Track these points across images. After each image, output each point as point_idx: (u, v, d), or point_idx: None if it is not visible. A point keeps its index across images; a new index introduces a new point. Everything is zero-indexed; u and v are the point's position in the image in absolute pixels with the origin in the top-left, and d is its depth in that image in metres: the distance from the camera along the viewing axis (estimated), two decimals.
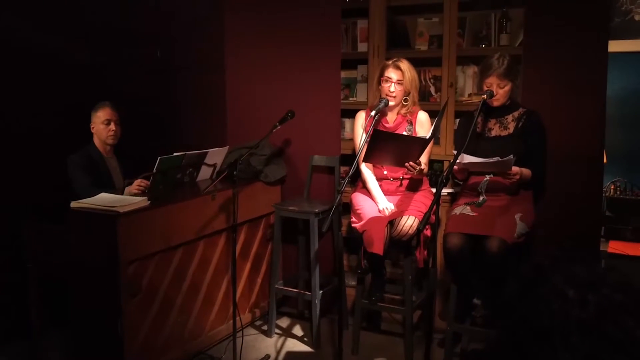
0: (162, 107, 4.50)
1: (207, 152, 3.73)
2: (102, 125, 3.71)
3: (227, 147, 4.01)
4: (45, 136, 3.86)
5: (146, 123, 4.33)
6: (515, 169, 3.19)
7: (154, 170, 3.39)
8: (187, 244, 3.45)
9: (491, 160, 3.18)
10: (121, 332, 3.06)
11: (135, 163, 3.77)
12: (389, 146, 3.24)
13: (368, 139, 3.14)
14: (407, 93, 3.55)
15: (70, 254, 3.15)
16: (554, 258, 1.00)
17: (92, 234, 3.10)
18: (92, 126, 3.74)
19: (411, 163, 3.26)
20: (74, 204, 3.13)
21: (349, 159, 4.02)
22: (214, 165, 3.90)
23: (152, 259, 3.23)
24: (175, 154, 3.49)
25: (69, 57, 3.99)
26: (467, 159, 3.22)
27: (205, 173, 3.87)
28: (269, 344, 3.84)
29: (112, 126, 3.71)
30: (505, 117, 3.41)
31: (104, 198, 3.22)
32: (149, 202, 3.20)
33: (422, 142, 3.25)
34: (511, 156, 3.11)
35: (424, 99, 4.11)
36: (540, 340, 0.93)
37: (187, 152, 3.56)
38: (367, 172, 3.62)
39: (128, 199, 3.22)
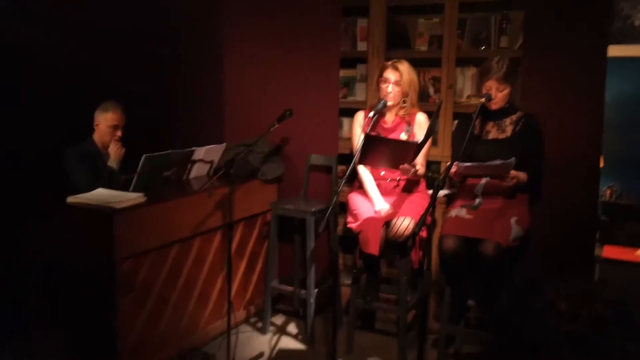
0: (160, 104, 4.48)
1: (193, 150, 3.70)
2: (108, 128, 3.69)
3: (225, 144, 4.01)
4: (40, 133, 3.82)
5: (143, 120, 4.31)
6: (512, 172, 3.20)
7: (139, 169, 3.38)
8: (182, 241, 3.44)
9: (493, 162, 3.18)
10: (116, 328, 3.06)
11: (132, 159, 3.76)
12: (382, 150, 3.26)
13: (362, 143, 3.14)
14: (405, 95, 3.55)
15: (65, 250, 3.15)
16: (547, 272, 1.00)
17: (87, 229, 3.09)
18: (96, 123, 3.71)
19: (405, 165, 3.27)
20: (70, 199, 3.12)
21: (347, 158, 4.02)
22: (211, 162, 3.90)
23: (148, 256, 3.23)
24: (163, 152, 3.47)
25: (67, 54, 3.96)
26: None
27: (202, 170, 3.86)
28: (263, 341, 3.85)
29: (119, 132, 3.70)
30: (503, 120, 3.41)
31: (100, 194, 3.21)
32: (145, 198, 3.20)
33: (415, 146, 3.26)
34: (513, 159, 3.12)
35: (422, 99, 4.10)
36: (533, 354, 0.93)
37: (173, 151, 3.55)
38: (364, 172, 3.62)
39: (124, 194, 3.21)
